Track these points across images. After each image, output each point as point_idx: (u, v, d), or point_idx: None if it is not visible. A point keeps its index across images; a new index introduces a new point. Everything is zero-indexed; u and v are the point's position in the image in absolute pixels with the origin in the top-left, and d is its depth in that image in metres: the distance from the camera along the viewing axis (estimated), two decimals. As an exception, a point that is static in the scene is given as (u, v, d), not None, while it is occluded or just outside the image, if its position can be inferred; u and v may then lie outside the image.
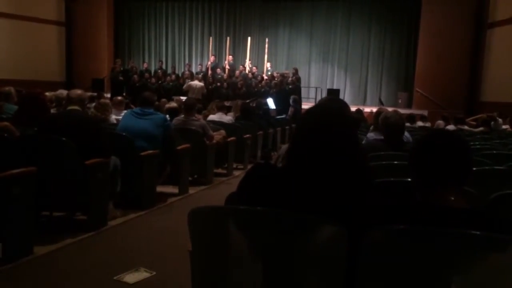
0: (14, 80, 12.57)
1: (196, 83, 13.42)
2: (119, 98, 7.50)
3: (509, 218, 1.36)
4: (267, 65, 15.22)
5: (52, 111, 5.15)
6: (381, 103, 15.18)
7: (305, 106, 12.77)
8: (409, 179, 1.97)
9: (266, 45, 15.19)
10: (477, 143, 5.20)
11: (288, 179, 1.45)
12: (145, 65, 16.39)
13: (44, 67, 16.31)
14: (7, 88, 5.46)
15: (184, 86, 13.41)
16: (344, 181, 1.41)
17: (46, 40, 16.68)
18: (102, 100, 6.55)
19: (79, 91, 4.03)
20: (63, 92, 5.90)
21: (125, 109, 7.03)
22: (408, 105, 14.94)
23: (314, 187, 1.40)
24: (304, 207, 1.34)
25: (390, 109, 4.41)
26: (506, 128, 9.21)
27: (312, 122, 1.53)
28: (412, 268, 1.27)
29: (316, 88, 15.72)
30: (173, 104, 6.91)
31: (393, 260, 1.29)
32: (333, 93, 13.67)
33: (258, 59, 16.53)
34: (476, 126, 9.11)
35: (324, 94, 14.75)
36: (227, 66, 15.16)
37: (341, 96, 14.85)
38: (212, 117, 7.59)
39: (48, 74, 16.29)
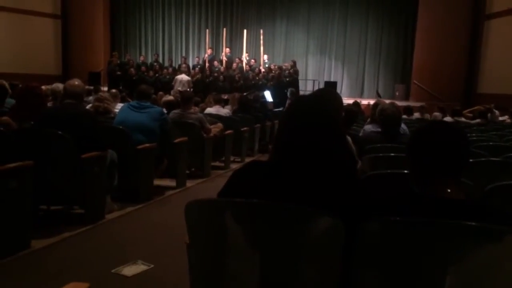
0: (10, 73, 12.51)
1: (181, 76, 13.55)
2: (114, 91, 7.49)
3: (504, 209, 1.37)
4: (264, 57, 15.17)
5: (49, 104, 5.12)
6: (378, 95, 15.18)
7: (303, 98, 12.74)
8: (406, 171, 1.98)
9: (261, 37, 15.12)
10: (473, 134, 5.22)
11: (275, 172, 1.46)
12: (142, 58, 16.31)
13: (40, 61, 16.21)
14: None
15: (173, 82, 13.63)
16: (329, 170, 1.41)
17: (42, 33, 16.57)
18: (101, 93, 6.54)
19: (76, 82, 3.98)
20: (59, 86, 5.86)
21: (122, 102, 7.02)
22: (406, 97, 14.96)
23: (301, 179, 1.41)
24: (293, 200, 1.34)
25: (387, 101, 4.41)
26: (504, 120, 9.23)
27: (291, 114, 1.54)
28: (409, 259, 1.27)
29: (314, 80, 15.70)
30: (170, 97, 6.90)
31: (389, 251, 1.30)
32: (331, 86, 13.65)
33: (255, 51, 16.49)
34: (473, 118, 9.13)
35: (322, 87, 14.73)
36: (224, 59, 15.10)
37: (338, 89, 14.85)
38: (209, 110, 7.58)
39: (44, 67, 16.20)
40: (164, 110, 5.28)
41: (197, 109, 6.98)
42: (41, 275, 2.95)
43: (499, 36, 13.21)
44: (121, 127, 4.49)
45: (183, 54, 17.49)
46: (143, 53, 17.77)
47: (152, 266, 3.09)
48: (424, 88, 14.57)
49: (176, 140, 5.13)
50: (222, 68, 14.64)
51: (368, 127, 4.03)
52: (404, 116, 7.47)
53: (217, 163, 6.71)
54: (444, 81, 14.19)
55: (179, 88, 12.17)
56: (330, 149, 1.44)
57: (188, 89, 12.11)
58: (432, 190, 1.42)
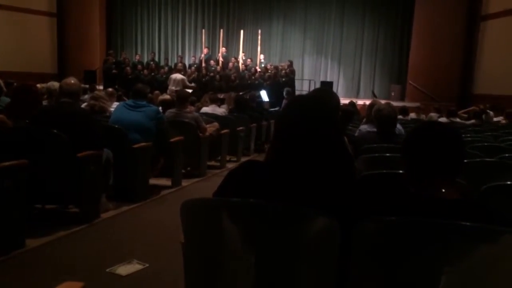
0: (5, 71, 12.42)
1: (175, 75, 13.25)
2: (110, 89, 7.47)
3: (499, 209, 1.37)
4: (261, 57, 15.17)
5: (44, 103, 5.10)
6: (374, 95, 15.22)
7: (299, 98, 12.74)
8: (401, 171, 1.99)
9: (259, 37, 15.11)
10: (468, 135, 5.24)
11: (272, 172, 1.45)
12: (138, 57, 16.25)
13: (35, 59, 16.14)
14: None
15: (168, 81, 13.33)
16: (327, 170, 1.41)
17: (37, 32, 16.49)
18: (96, 92, 6.51)
19: (72, 81, 3.95)
20: (54, 84, 5.83)
21: (118, 101, 7.00)
22: (401, 98, 15.00)
23: (298, 179, 1.41)
24: (289, 200, 1.34)
25: (383, 101, 4.43)
26: (499, 121, 9.26)
27: (289, 114, 1.53)
28: (404, 259, 1.28)
29: (310, 80, 15.70)
30: (166, 97, 6.89)
31: (385, 251, 1.30)
32: (327, 86, 13.66)
33: (252, 51, 16.48)
34: (468, 119, 9.16)
35: (318, 87, 14.72)
36: (220, 58, 15.09)
37: (334, 89, 14.87)
38: (205, 109, 7.58)
39: (40, 65, 16.12)
40: (160, 109, 5.26)
41: (193, 108, 6.98)
42: (36, 274, 2.94)
43: (495, 37, 13.26)
44: (117, 125, 4.48)
45: (179, 53, 17.47)
46: (139, 52, 17.72)
47: (147, 265, 3.08)
48: (420, 88, 14.60)
49: (172, 140, 5.12)
50: (218, 68, 14.63)
51: (364, 127, 4.04)
52: (400, 117, 7.48)
53: (213, 163, 6.70)
54: (440, 82, 14.23)
55: (173, 87, 12.09)
56: (328, 149, 1.44)
57: (183, 88, 12.03)
58: (428, 190, 1.42)
